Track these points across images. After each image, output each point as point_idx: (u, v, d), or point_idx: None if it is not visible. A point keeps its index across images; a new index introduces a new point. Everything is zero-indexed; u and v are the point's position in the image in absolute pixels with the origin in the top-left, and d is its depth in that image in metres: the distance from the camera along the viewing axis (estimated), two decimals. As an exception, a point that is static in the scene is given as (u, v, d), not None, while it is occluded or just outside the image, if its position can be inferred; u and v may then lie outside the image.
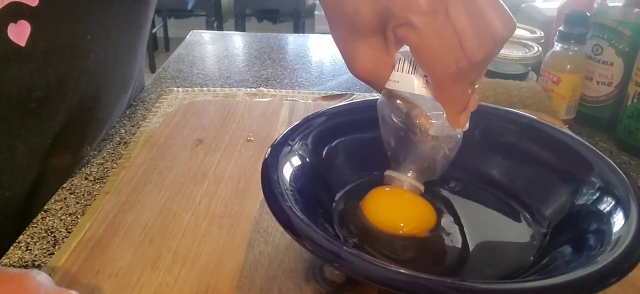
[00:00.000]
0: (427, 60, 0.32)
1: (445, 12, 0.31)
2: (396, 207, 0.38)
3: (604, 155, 0.37)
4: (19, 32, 0.39)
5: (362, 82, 0.37)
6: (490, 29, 0.32)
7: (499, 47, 0.33)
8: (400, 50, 0.35)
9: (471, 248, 0.36)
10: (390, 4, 0.32)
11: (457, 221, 0.38)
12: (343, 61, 0.37)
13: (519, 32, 0.74)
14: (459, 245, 0.36)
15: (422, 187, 0.38)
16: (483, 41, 0.32)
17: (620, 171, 0.35)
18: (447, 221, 0.38)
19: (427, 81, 0.35)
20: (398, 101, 0.36)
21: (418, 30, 0.31)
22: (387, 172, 0.39)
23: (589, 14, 0.60)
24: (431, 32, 0.31)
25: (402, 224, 0.36)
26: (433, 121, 0.35)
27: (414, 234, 0.36)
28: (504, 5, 0.33)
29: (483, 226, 0.39)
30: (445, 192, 0.41)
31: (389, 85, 0.36)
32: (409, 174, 0.38)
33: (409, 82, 0.35)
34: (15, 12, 0.39)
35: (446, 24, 0.31)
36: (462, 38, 0.31)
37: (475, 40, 0.31)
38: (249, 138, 0.54)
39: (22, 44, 0.40)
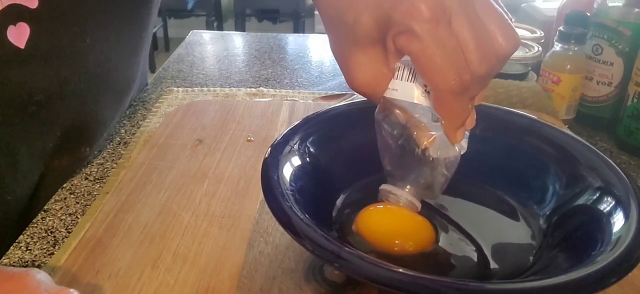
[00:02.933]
0: (428, 70, 0.31)
1: (448, 23, 0.30)
2: (391, 225, 0.37)
3: (604, 155, 0.37)
4: (19, 34, 0.39)
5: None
6: (493, 43, 0.31)
7: (502, 63, 0.32)
8: (400, 60, 0.35)
9: (487, 252, 0.36)
10: (391, 11, 0.31)
11: (459, 227, 0.38)
12: None
13: (519, 32, 0.74)
14: (475, 255, 0.36)
15: (419, 204, 0.37)
16: (486, 55, 0.31)
17: (620, 171, 0.35)
18: (448, 230, 0.38)
19: (426, 90, 0.34)
20: (397, 111, 0.35)
21: (420, 39, 0.30)
22: (383, 187, 0.38)
23: (589, 14, 0.60)
24: (433, 41, 0.30)
25: (397, 241, 0.35)
26: (432, 133, 0.34)
27: (413, 251, 0.35)
28: (509, 21, 0.32)
29: (482, 226, 0.38)
30: (444, 194, 0.41)
31: (388, 94, 0.35)
32: (407, 189, 0.37)
33: (408, 90, 0.34)
34: (15, 14, 0.39)
35: (449, 35, 0.30)
36: (464, 50, 0.31)
37: (478, 54, 0.31)
38: (249, 138, 0.54)
39: (22, 46, 0.40)
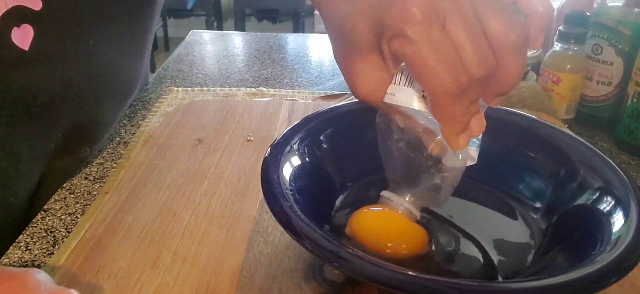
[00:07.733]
0: (423, 74, 0.30)
1: (442, 26, 0.30)
2: (384, 228, 0.36)
3: (604, 155, 0.37)
4: (23, 37, 0.39)
5: None
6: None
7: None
8: (400, 66, 0.34)
9: (489, 252, 0.35)
10: (385, 16, 0.31)
11: (459, 228, 0.38)
12: None
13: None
14: (477, 254, 0.36)
15: (418, 214, 0.36)
16: (484, 57, 0.30)
17: (620, 171, 0.35)
18: (449, 229, 0.38)
19: (424, 96, 0.33)
20: (397, 117, 0.34)
21: (412, 42, 0.30)
22: (384, 193, 0.37)
23: (589, 14, 0.60)
24: (426, 44, 0.29)
25: (389, 244, 0.35)
26: (434, 140, 0.34)
27: (407, 255, 0.35)
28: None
29: (482, 226, 0.38)
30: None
31: (387, 99, 0.34)
32: (407, 198, 0.36)
33: (406, 96, 0.33)
34: (19, 17, 0.39)
35: (443, 37, 0.30)
36: (461, 53, 0.30)
37: (476, 56, 0.30)
38: (249, 138, 0.54)
39: (26, 48, 0.40)
